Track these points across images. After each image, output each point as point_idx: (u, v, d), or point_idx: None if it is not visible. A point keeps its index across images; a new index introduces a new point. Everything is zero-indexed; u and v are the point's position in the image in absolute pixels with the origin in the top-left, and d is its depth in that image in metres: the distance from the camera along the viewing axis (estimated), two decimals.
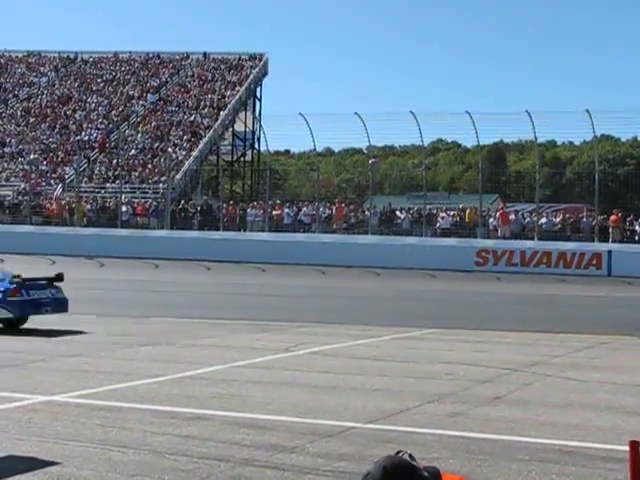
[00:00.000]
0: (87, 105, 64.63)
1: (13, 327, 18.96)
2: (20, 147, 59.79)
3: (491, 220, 45.92)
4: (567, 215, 47.00)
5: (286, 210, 47.97)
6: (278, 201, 51.23)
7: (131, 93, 65.70)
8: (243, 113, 65.33)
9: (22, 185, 54.06)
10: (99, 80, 68.01)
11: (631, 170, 73.38)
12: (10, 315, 18.81)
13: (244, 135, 66.67)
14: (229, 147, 66.98)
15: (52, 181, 55.54)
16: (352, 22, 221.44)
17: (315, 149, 50.34)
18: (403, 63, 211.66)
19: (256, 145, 67.19)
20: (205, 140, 58.76)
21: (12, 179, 56.21)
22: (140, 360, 14.84)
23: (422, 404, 11.34)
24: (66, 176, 55.93)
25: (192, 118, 61.39)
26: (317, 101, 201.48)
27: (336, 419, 10.33)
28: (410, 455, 3.51)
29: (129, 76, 68.30)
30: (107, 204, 50.60)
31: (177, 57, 70.76)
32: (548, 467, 8.38)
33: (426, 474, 3.46)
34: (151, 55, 71.22)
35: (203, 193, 56.98)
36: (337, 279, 36.46)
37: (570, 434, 9.76)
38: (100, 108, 63.94)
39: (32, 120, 63.25)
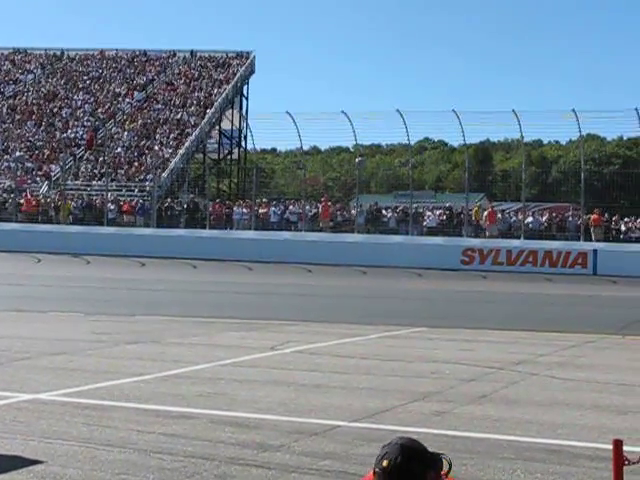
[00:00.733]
0: (73, 102, 64.44)
1: None
2: (5, 144, 59.59)
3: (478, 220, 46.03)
4: (553, 214, 47.12)
5: (273, 208, 47.95)
6: (265, 199, 51.22)
7: (117, 91, 65.55)
8: (230, 111, 65.25)
9: (7, 182, 53.89)
10: (85, 77, 67.82)
11: (616, 169, 73.65)
12: None
13: (231, 133, 66.60)
14: (216, 145, 66.91)
15: (38, 178, 55.38)
16: (339, 21, 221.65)
17: (302, 147, 50.41)
18: (390, 62, 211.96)
19: (243, 143, 67.14)
20: (192, 138, 58.68)
21: None
22: (126, 358, 14.81)
23: (408, 403, 11.35)
24: (52, 174, 55.78)
25: (179, 116, 61.29)
26: (304, 99, 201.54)
27: (322, 418, 10.33)
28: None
29: (115, 73, 68.12)
30: (93, 202, 50.49)
31: (164, 55, 70.60)
32: (533, 466, 8.40)
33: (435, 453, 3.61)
34: (138, 53, 71.05)
35: (189, 191, 56.89)
36: (323, 278, 36.47)
37: (555, 433, 9.79)
38: (86, 105, 63.77)
39: (18, 117, 63.05)
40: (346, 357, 15.39)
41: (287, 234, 45.04)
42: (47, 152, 58.21)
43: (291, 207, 48.46)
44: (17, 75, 69.35)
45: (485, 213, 45.44)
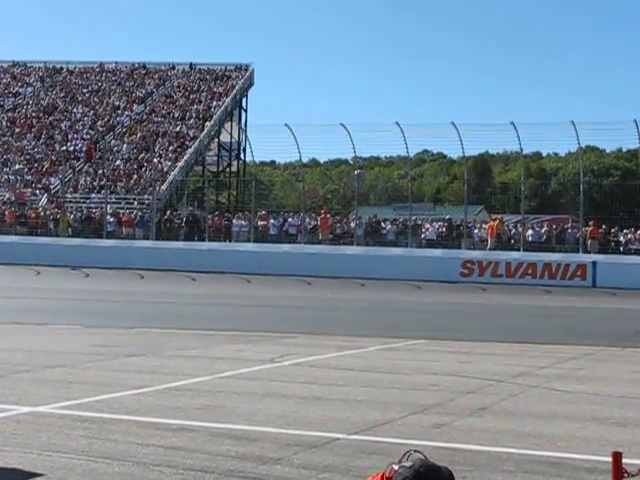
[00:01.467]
0: (73, 115, 64.53)
1: None
2: (5, 157, 59.63)
3: (476, 231, 46.06)
4: (553, 226, 47.15)
5: (272, 221, 47.97)
6: (264, 212, 51.24)
7: (117, 103, 65.64)
8: (229, 124, 65.31)
9: (7, 195, 53.91)
10: (85, 90, 67.92)
11: (616, 181, 73.78)
12: None
13: (230, 146, 66.66)
14: (215, 158, 66.96)
15: (37, 191, 55.41)
16: (338, 34, 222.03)
17: (301, 160, 50.43)
18: (389, 74, 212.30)
19: (242, 156, 67.21)
20: (191, 151, 58.75)
21: None
22: (125, 371, 14.79)
23: (407, 415, 11.34)
24: (51, 186, 55.81)
25: (178, 129, 61.36)
26: (303, 112, 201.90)
27: (321, 430, 10.32)
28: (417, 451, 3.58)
29: (115, 86, 68.23)
30: (92, 214, 50.50)
31: (163, 67, 70.73)
32: (533, 478, 8.39)
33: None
34: (137, 65, 71.17)
35: (188, 204, 56.92)
36: (323, 290, 36.44)
37: (555, 445, 9.78)
38: (86, 118, 63.86)
39: (17, 130, 63.12)
40: (345, 369, 15.37)
41: (286, 246, 45.03)
42: (46, 165, 58.25)
43: (290, 219, 48.49)
44: (17, 88, 69.46)
45: (487, 226, 45.49)
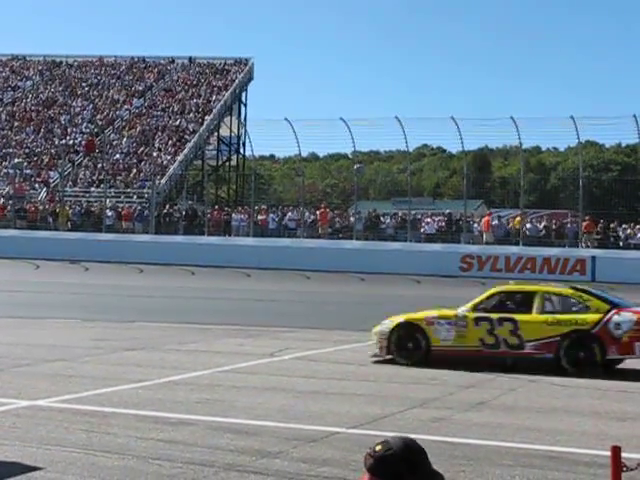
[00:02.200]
0: (72, 109, 64.43)
1: None
2: (4, 151, 59.58)
3: (475, 226, 46.08)
4: (553, 220, 47.15)
5: (271, 215, 47.94)
6: (263, 206, 51.20)
7: (116, 97, 65.56)
8: (228, 118, 65.21)
9: (6, 189, 53.88)
10: (84, 84, 67.80)
11: (615, 176, 73.70)
12: None
13: (229, 140, 66.54)
14: (214, 152, 66.85)
15: (36, 185, 55.39)
16: (338, 28, 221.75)
17: (300, 154, 50.38)
18: (388, 68, 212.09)
19: (241, 150, 67.09)
20: (190, 145, 58.65)
21: None
22: (124, 365, 14.81)
23: (406, 409, 11.35)
24: (50, 180, 55.78)
25: (177, 123, 61.29)
26: (302, 106, 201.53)
27: (320, 424, 10.33)
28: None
29: (114, 80, 68.13)
30: (92, 208, 50.46)
31: (162, 61, 70.59)
32: (532, 472, 8.40)
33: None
34: (136, 59, 71.05)
35: (188, 198, 56.84)
36: (322, 284, 36.44)
37: (554, 439, 9.79)
38: (85, 112, 63.78)
39: (16, 124, 63.04)
40: (344, 364, 15.39)
41: (285, 241, 44.99)
42: (46, 159, 58.22)
43: (289, 214, 48.46)
44: (16, 82, 69.35)
45: (481, 220, 45.49)
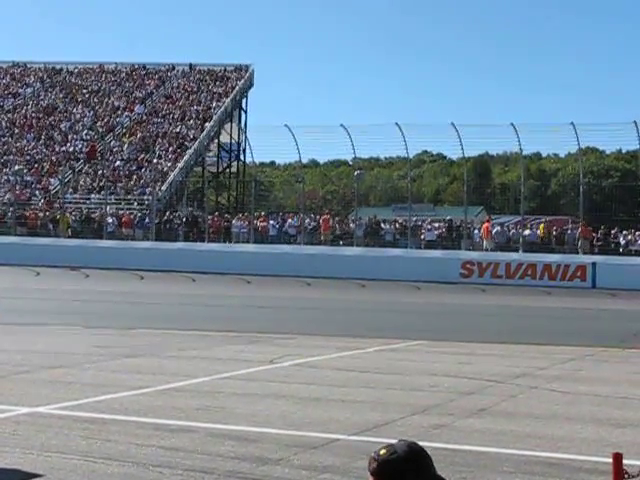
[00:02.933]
0: (72, 116, 64.50)
1: None
2: (5, 158, 59.61)
3: (476, 232, 46.09)
4: (553, 227, 47.16)
5: (271, 222, 47.98)
6: (263, 213, 51.23)
7: (117, 104, 65.62)
8: (229, 124, 65.28)
9: (7, 196, 53.90)
10: (84, 91, 67.88)
11: (615, 182, 73.77)
12: None
13: (230, 146, 66.60)
14: (214, 158, 66.91)
15: (37, 192, 55.40)
16: (337, 34, 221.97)
17: (300, 161, 50.48)
18: (389, 75, 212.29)
19: (241, 156, 67.16)
20: (190, 151, 58.71)
21: None
22: (124, 372, 14.79)
23: (407, 416, 11.33)
24: (51, 187, 55.80)
25: (177, 129, 61.34)
26: (303, 113, 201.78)
27: (321, 431, 10.31)
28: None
29: (114, 87, 68.20)
30: (92, 215, 50.49)
31: (163, 68, 70.69)
32: (533, 479, 8.39)
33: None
34: (137, 66, 71.15)
35: (188, 205, 56.90)
36: (322, 291, 36.44)
37: (555, 446, 9.77)
38: (85, 119, 63.84)
39: (17, 131, 63.10)
40: (345, 370, 15.37)
41: (286, 247, 45.02)
42: (46, 166, 58.24)
43: (290, 220, 48.47)
44: (16, 89, 69.43)
45: (481, 227, 45.52)
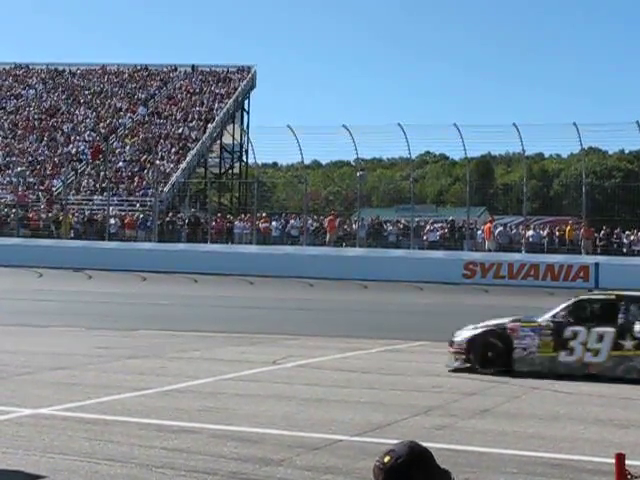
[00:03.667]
0: (75, 117, 64.51)
1: None
2: (7, 159, 59.64)
3: (479, 233, 46.05)
4: (555, 227, 47.10)
5: (274, 223, 47.94)
6: (266, 214, 51.18)
7: (119, 105, 65.63)
8: (231, 126, 65.26)
9: (9, 197, 53.92)
10: (87, 92, 67.87)
11: (618, 183, 73.68)
12: None
13: (232, 147, 66.59)
14: (217, 160, 66.89)
15: (39, 193, 55.41)
16: (340, 35, 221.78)
17: (303, 161, 50.38)
18: (391, 75, 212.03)
19: (244, 158, 67.15)
20: (193, 153, 58.68)
21: None
22: (127, 373, 14.80)
23: (410, 417, 11.33)
24: (53, 188, 55.81)
25: (180, 130, 61.34)
26: (305, 114, 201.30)
27: (323, 432, 10.31)
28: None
29: (117, 88, 68.20)
30: (95, 216, 50.50)
31: (165, 69, 70.66)
32: None
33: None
34: (139, 67, 71.13)
35: (191, 206, 56.87)
36: (325, 292, 36.43)
37: (558, 447, 9.77)
38: (88, 120, 63.84)
39: (19, 132, 63.11)
40: (348, 371, 15.37)
41: (288, 248, 44.98)
42: (49, 167, 58.27)
43: (292, 221, 48.45)
44: (19, 90, 69.44)
45: (483, 227, 45.48)
